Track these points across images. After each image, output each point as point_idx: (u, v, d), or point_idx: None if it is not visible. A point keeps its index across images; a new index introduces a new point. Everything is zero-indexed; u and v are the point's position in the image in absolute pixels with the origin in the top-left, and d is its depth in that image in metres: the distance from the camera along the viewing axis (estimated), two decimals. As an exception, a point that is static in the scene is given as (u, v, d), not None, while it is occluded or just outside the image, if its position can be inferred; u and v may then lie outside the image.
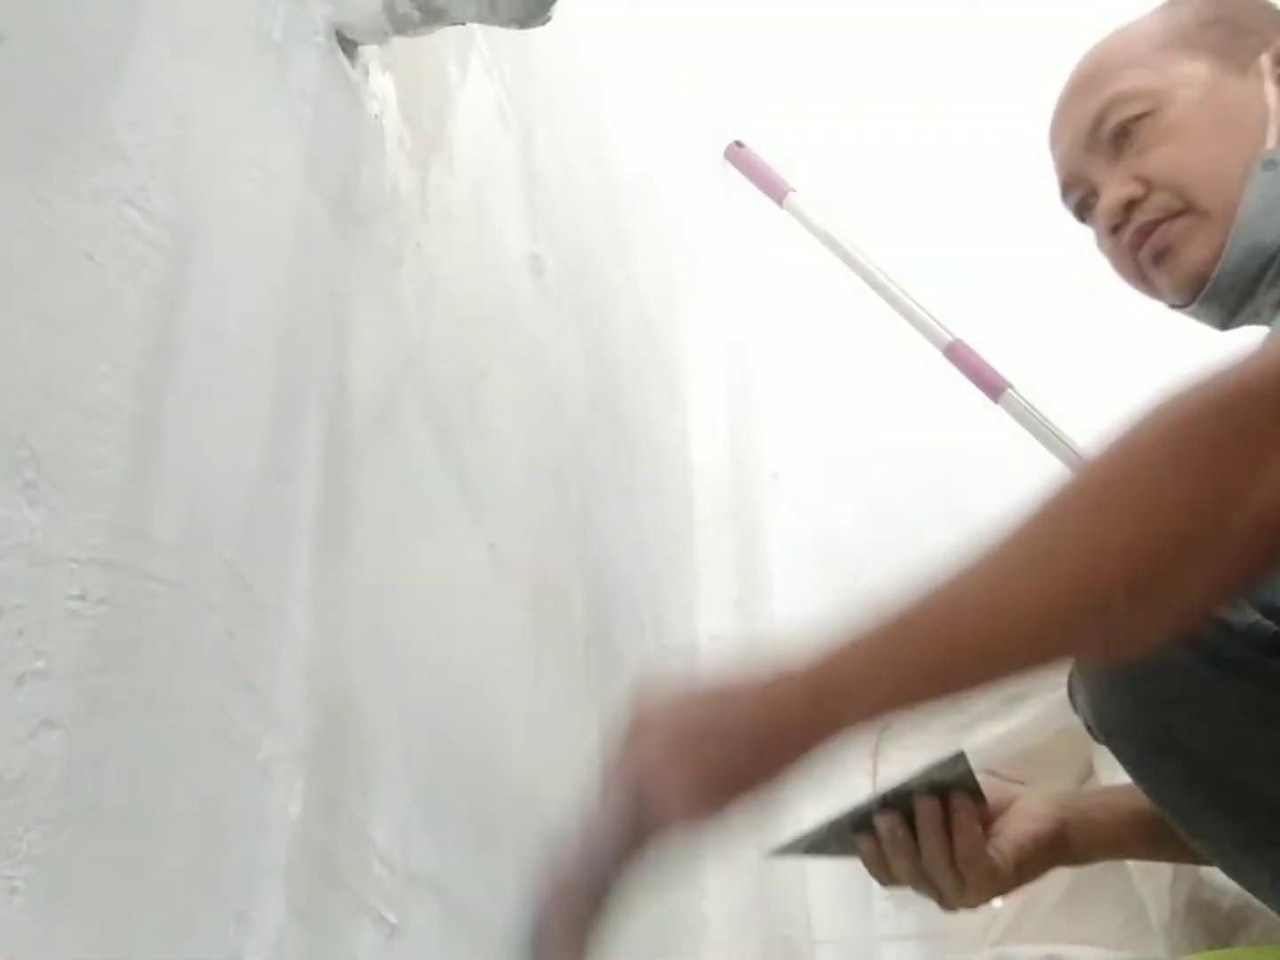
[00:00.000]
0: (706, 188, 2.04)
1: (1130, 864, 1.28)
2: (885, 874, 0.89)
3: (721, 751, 0.58)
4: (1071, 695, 0.94)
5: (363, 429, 0.70)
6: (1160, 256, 0.93)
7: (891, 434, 1.94)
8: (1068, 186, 1.01)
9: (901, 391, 1.93)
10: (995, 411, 1.68)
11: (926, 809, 0.86)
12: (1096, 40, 1.01)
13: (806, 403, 1.99)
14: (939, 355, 1.74)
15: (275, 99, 0.64)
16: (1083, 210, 1.01)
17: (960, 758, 0.85)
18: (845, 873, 1.65)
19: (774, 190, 1.96)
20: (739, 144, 2.05)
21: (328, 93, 0.70)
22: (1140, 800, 0.89)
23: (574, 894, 0.62)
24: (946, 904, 0.91)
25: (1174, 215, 0.91)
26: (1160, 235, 0.92)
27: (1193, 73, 0.94)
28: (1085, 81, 0.99)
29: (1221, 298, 0.90)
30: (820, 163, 2.03)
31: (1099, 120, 0.96)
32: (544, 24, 0.74)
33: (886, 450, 1.93)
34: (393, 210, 0.78)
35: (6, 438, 0.41)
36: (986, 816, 0.92)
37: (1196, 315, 0.94)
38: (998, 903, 0.98)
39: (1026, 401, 1.66)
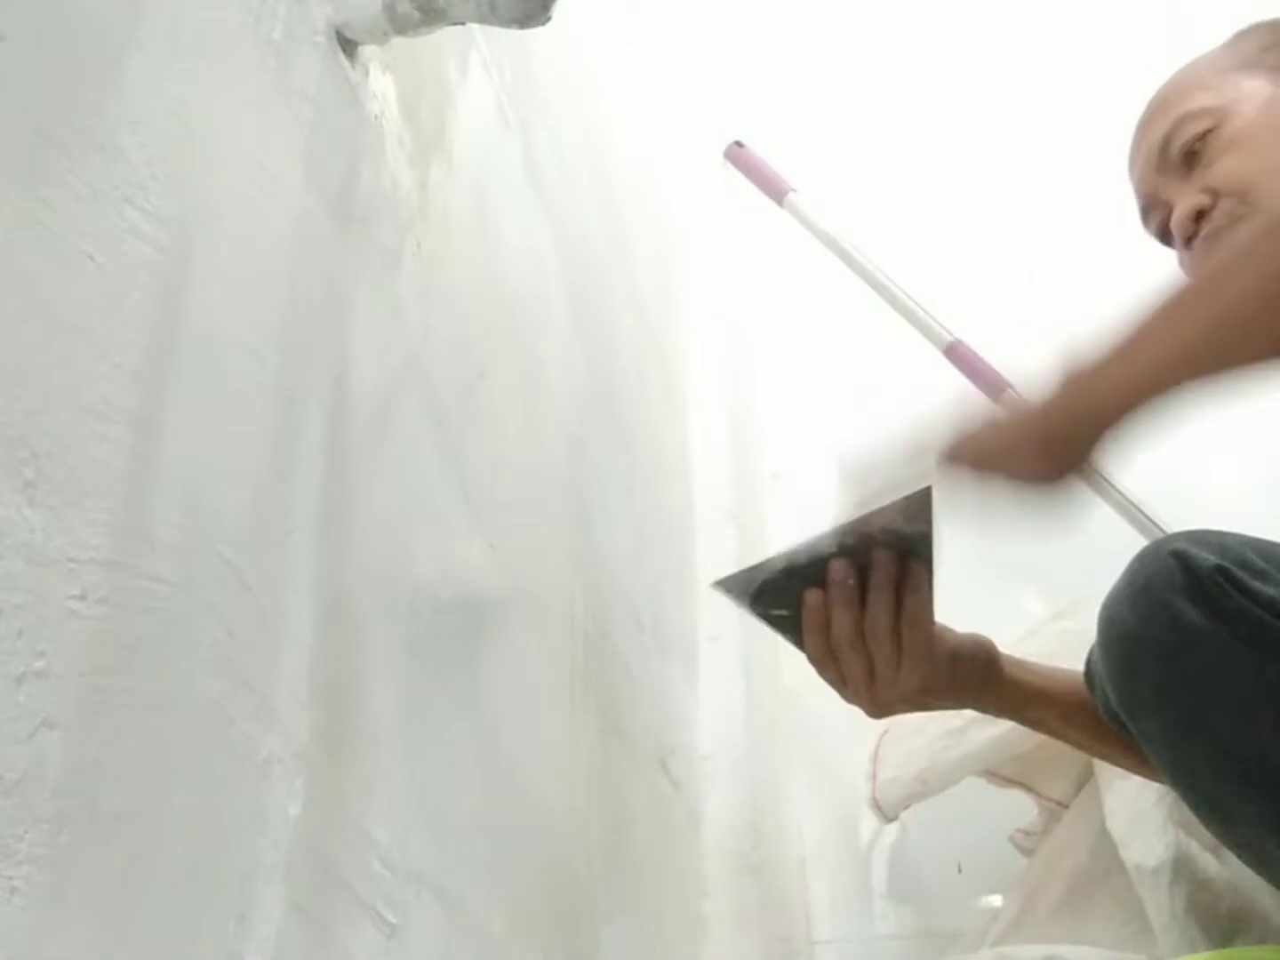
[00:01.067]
0: (706, 188, 2.04)
1: (1130, 864, 1.28)
2: (822, 634, 0.86)
3: (1041, 451, 0.79)
4: (1089, 679, 0.94)
5: (363, 429, 0.70)
6: (1211, 239, 0.95)
7: (891, 434, 1.94)
8: (1147, 210, 1.05)
9: (902, 392, 1.93)
10: (995, 412, 1.68)
11: (883, 558, 0.84)
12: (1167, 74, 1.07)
13: (806, 403, 1.99)
14: (939, 355, 1.74)
15: (275, 99, 0.64)
16: (1165, 234, 1.04)
17: (926, 499, 0.80)
18: (845, 873, 1.65)
19: (774, 190, 1.96)
20: (739, 144, 2.05)
21: (328, 93, 0.70)
22: (1078, 681, 0.93)
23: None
24: (870, 682, 0.87)
25: (1240, 221, 0.93)
26: (1210, 222, 0.95)
27: (1252, 89, 0.98)
28: (1155, 110, 1.04)
29: None
30: (820, 163, 2.03)
31: (1167, 141, 1.00)
32: (544, 24, 0.74)
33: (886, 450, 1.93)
34: (393, 210, 0.78)
35: (6, 438, 0.41)
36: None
37: None
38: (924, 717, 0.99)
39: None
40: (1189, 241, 0.98)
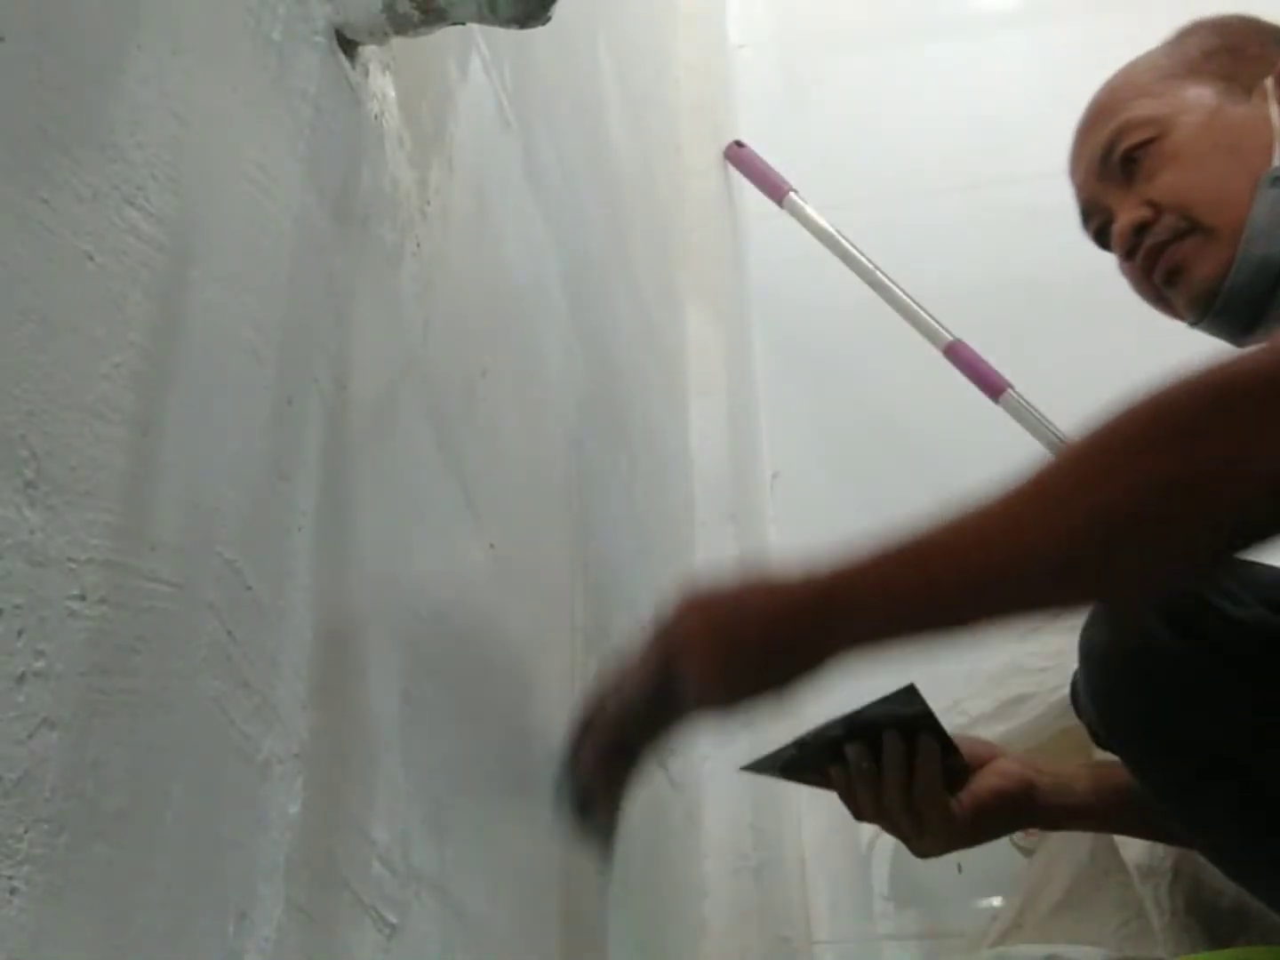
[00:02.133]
0: (706, 188, 2.04)
1: (1130, 864, 1.28)
2: (854, 806, 0.93)
3: (738, 646, 0.64)
4: (1075, 698, 0.94)
5: (363, 429, 0.70)
6: (1171, 276, 0.95)
7: (891, 434, 1.94)
8: (1087, 215, 1.04)
9: (901, 391, 1.93)
10: (995, 411, 1.68)
11: (890, 742, 0.90)
12: (1108, 74, 1.04)
13: (806, 403, 1.99)
14: (939, 355, 1.74)
15: (275, 99, 0.64)
16: (1102, 236, 1.04)
17: (912, 692, 0.87)
18: (845, 873, 1.65)
19: (774, 190, 1.96)
20: (739, 144, 2.05)
21: (328, 93, 0.70)
22: (1123, 774, 0.90)
23: (604, 748, 0.68)
24: (910, 846, 0.95)
25: (1181, 236, 0.93)
26: (1169, 256, 0.95)
27: (1196, 98, 0.96)
28: (1096, 113, 1.02)
29: (1233, 312, 0.92)
30: (820, 163, 2.03)
31: (1109, 149, 0.99)
32: (544, 24, 0.74)
33: (886, 450, 1.93)
34: (393, 210, 0.78)
35: (6, 438, 0.41)
36: (958, 767, 0.93)
37: (1213, 331, 0.96)
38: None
39: (1026, 401, 1.66)
40: (1130, 253, 0.98)
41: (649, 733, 0.69)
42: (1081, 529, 0.58)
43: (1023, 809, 0.97)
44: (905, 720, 0.90)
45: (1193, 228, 0.92)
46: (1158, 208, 0.95)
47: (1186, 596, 0.78)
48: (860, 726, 0.90)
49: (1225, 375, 0.59)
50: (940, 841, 0.94)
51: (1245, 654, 0.76)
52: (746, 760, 0.96)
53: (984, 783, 0.95)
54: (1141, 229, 0.95)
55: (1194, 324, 0.97)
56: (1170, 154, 0.94)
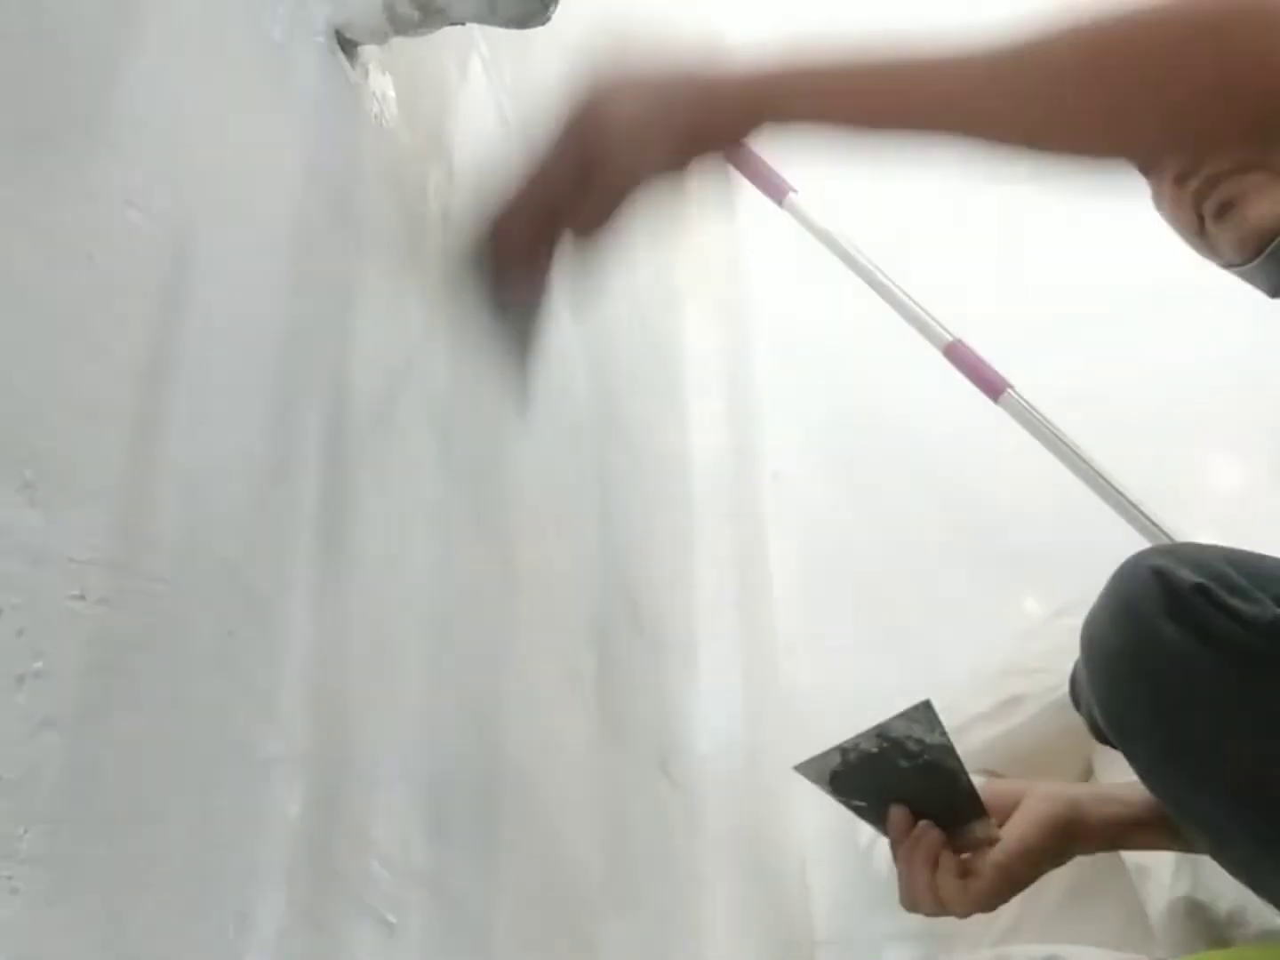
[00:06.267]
0: (706, 188, 2.04)
1: (1130, 864, 1.28)
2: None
3: (670, 111, 0.63)
4: (1075, 696, 0.94)
5: (363, 429, 0.70)
6: (1225, 209, 0.89)
7: (891, 434, 1.94)
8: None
9: (901, 391, 1.93)
10: (995, 411, 1.68)
11: (927, 832, 0.92)
12: None
13: (806, 403, 1.99)
14: (939, 355, 1.74)
15: (275, 99, 0.64)
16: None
17: (928, 708, 0.88)
18: (845, 872, 1.65)
19: (774, 190, 1.96)
20: (739, 144, 2.05)
21: (328, 93, 0.70)
22: (1145, 792, 0.89)
23: (527, 221, 0.63)
24: (954, 908, 0.93)
25: (1246, 169, 0.88)
26: (1229, 187, 0.88)
27: None
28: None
29: None
30: (820, 163, 2.03)
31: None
32: (544, 24, 0.74)
33: (886, 450, 1.93)
34: (393, 210, 0.78)
35: (6, 438, 0.41)
36: (984, 811, 0.92)
37: (1251, 277, 0.91)
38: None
39: (1026, 401, 1.66)
40: (1182, 179, 0.91)
41: (574, 207, 0.65)
42: (1068, 63, 0.57)
43: (1071, 839, 0.94)
44: (929, 748, 0.90)
45: (1260, 162, 0.87)
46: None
47: (1194, 593, 0.78)
48: (890, 743, 0.92)
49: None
50: (986, 904, 0.91)
51: (1260, 655, 0.76)
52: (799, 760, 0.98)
53: (1023, 824, 0.93)
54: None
55: (1234, 265, 0.92)
56: None
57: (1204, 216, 0.91)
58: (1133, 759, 0.85)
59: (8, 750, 0.39)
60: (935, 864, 0.91)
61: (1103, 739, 0.89)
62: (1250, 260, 0.89)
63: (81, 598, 0.43)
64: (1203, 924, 1.20)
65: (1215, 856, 0.87)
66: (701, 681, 1.51)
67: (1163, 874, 1.24)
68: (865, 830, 1.61)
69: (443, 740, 0.76)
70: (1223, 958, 1.15)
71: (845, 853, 1.64)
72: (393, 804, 0.67)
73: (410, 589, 0.74)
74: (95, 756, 0.43)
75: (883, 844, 1.62)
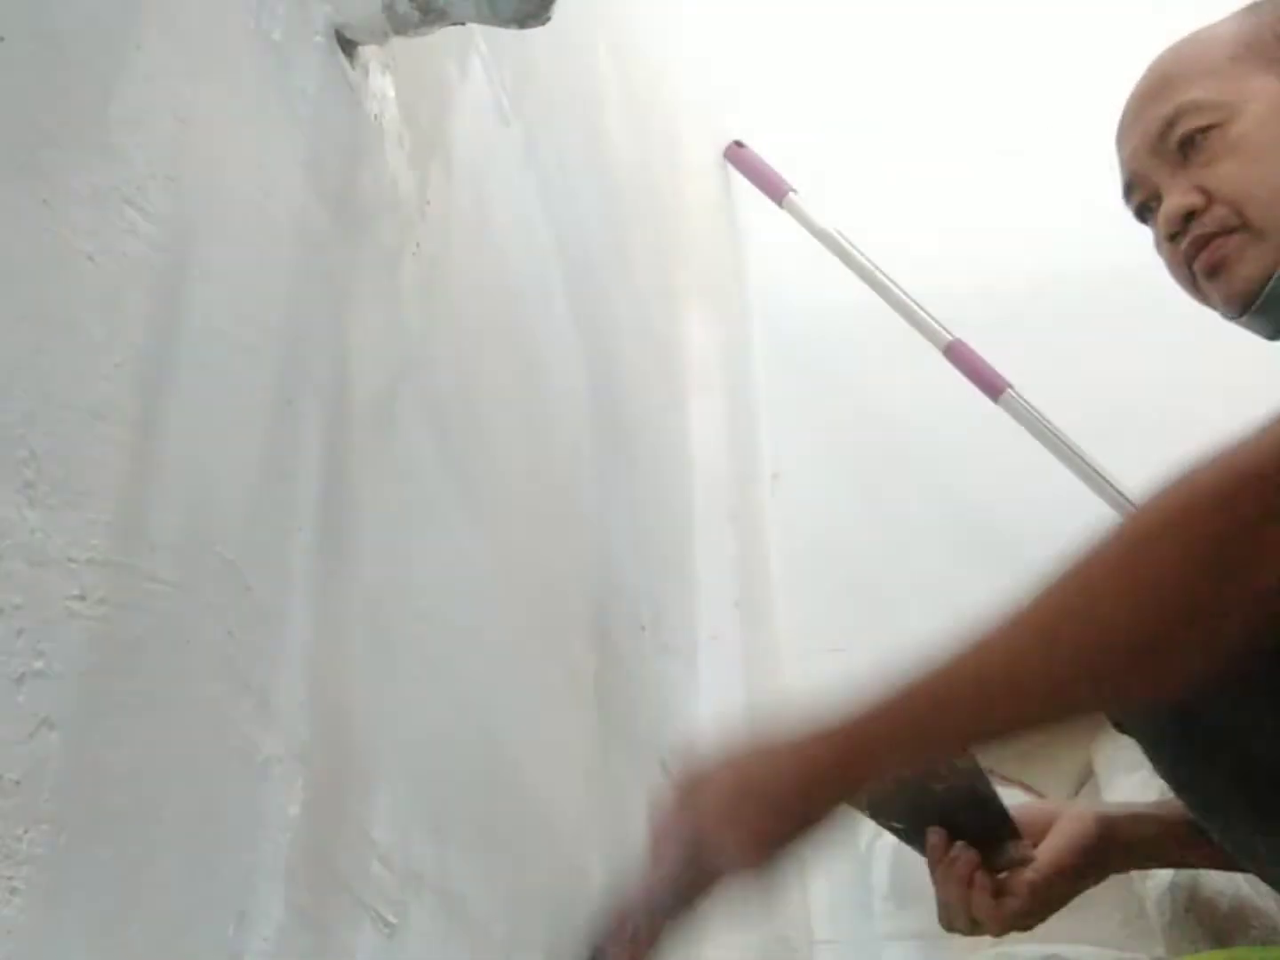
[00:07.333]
0: (706, 188, 2.04)
1: (1130, 864, 1.28)
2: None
3: (768, 809, 0.66)
4: None
5: (363, 429, 0.70)
6: (1213, 270, 0.93)
7: (891, 434, 1.94)
8: (1131, 188, 1.02)
9: (901, 391, 1.93)
10: (995, 411, 1.68)
11: (961, 851, 0.92)
12: (1171, 44, 1.02)
13: (806, 403, 1.99)
14: (939, 355, 1.74)
15: (275, 99, 0.64)
16: (1144, 212, 1.02)
17: (973, 765, 0.89)
18: (845, 873, 1.65)
19: (774, 190, 1.96)
20: (739, 144, 2.05)
21: (328, 93, 0.70)
22: (1172, 808, 0.91)
23: (635, 940, 0.70)
24: (990, 926, 0.94)
25: (1230, 231, 0.92)
26: (1215, 250, 0.92)
27: (1263, 87, 0.95)
28: (1158, 85, 0.99)
29: (1270, 314, 0.91)
30: (820, 163, 2.03)
31: (1168, 126, 0.96)
32: (544, 24, 0.74)
33: (886, 450, 1.93)
34: (393, 210, 0.78)
35: (6, 438, 0.41)
36: (1018, 833, 0.94)
37: (1247, 327, 0.96)
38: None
39: (1026, 401, 1.66)
40: (1174, 237, 0.96)
41: (679, 916, 0.71)
42: (1111, 645, 0.61)
43: (1103, 860, 0.96)
44: (955, 775, 0.91)
45: (1242, 225, 0.91)
46: (1210, 196, 0.93)
47: None
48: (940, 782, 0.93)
49: (1230, 474, 0.60)
50: (1026, 922, 0.93)
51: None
52: None
53: (1061, 830, 0.95)
54: (1190, 216, 0.94)
55: (1229, 318, 0.96)
56: (1231, 143, 0.93)
57: (1196, 274, 0.95)
58: (1139, 737, 0.86)
59: (8, 750, 0.39)
60: (971, 884, 0.92)
61: (1122, 729, 0.90)
62: (1240, 315, 0.93)
63: (81, 598, 0.43)
64: (1203, 924, 1.20)
65: (1221, 838, 0.87)
66: (701, 681, 1.51)
67: (1163, 874, 1.24)
68: (865, 830, 1.62)
69: (443, 740, 0.76)
70: (1223, 958, 1.15)
71: (845, 853, 1.64)
72: (393, 804, 0.67)
73: (410, 589, 0.74)
74: (95, 756, 0.43)
75: (881, 845, 1.63)
